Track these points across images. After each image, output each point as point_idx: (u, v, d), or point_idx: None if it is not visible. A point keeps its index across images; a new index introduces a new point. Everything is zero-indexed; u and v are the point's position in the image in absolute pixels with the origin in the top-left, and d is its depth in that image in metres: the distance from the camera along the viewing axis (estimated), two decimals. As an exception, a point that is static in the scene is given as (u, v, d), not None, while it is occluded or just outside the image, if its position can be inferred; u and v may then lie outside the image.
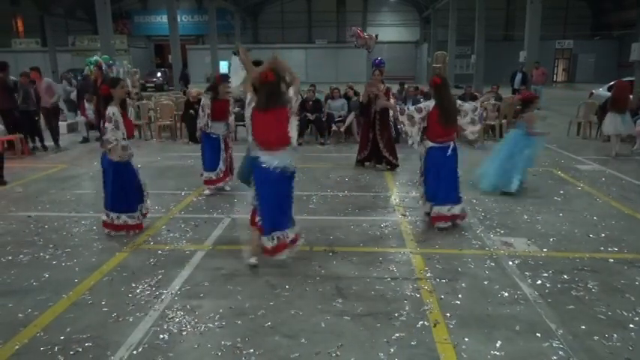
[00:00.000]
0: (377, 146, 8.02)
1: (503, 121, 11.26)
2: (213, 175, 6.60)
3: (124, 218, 5.07)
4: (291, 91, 4.05)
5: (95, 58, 12.96)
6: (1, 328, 3.37)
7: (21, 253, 4.69)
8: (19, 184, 7.37)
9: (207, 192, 6.68)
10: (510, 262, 4.46)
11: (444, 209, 5.17)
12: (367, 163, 8.26)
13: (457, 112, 5.23)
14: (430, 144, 5.21)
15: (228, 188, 6.81)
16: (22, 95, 9.51)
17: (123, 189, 5.00)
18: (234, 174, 6.57)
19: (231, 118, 6.82)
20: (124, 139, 4.89)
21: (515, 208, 6.08)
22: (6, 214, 5.88)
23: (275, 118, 3.93)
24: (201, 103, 6.63)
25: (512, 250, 4.76)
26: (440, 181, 5.18)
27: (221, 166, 6.62)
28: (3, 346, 3.15)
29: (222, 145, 6.63)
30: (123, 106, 5.02)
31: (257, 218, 4.23)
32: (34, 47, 38.18)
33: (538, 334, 3.29)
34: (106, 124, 4.79)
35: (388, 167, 8.10)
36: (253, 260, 4.33)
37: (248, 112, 4.11)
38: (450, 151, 5.19)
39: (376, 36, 9.14)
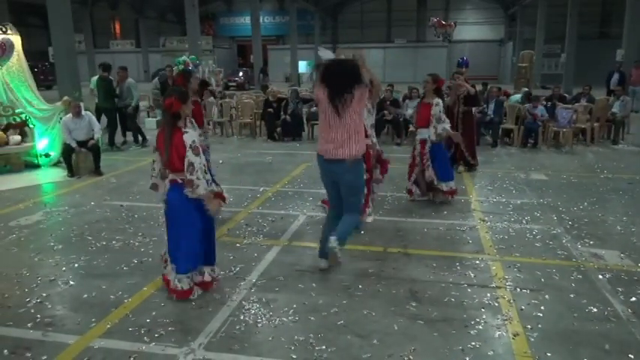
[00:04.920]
0: (458, 146, 7.80)
1: (595, 124, 10.53)
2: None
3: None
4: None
5: (183, 58, 13.62)
6: (96, 307, 3.65)
7: (114, 239, 5.06)
8: (113, 175, 7.95)
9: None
10: (600, 276, 4.15)
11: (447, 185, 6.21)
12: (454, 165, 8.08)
13: None
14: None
15: None
16: (119, 92, 10.20)
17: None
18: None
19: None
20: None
21: (607, 217, 5.66)
22: (102, 203, 6.36)
23: None
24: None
25: (603, 262, 4.44)
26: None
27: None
28: (96, 325, 3.41)
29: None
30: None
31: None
32: (129, 48, 41.14)
33: (631, 355, 3.04)
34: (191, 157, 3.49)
35: (466, 167, 7.92)
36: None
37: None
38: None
39: (455, 23, 9.01)
